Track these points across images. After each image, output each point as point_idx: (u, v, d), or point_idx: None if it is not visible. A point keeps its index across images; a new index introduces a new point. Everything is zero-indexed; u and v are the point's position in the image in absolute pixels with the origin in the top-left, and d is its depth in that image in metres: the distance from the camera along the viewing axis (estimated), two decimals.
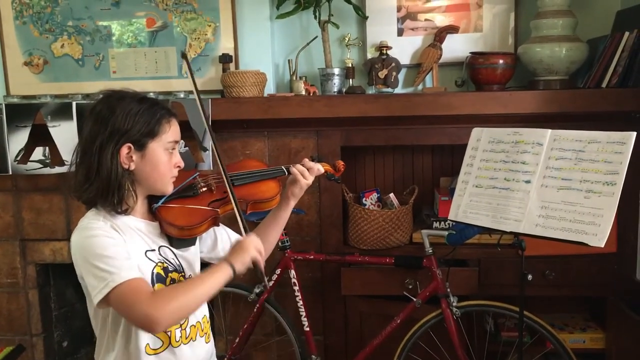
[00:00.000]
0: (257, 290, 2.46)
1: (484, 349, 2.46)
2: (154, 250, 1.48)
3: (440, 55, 2.64)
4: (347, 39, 2.69)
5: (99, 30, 2.74)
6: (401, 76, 2.73)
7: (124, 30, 2.74)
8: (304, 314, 2.42)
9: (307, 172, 1.66)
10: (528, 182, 1.80)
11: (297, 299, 2.42)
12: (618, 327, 2.43)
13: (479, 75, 2.53)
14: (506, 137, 1.93)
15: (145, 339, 1.45)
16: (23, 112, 2.51)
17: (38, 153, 2.55)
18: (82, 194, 1.44)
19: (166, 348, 1.48)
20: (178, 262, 1.53)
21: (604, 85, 2.34)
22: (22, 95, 2.75)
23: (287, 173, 1.69)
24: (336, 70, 2.62)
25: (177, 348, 1.50)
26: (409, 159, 2.88)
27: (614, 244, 2.36)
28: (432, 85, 2.66)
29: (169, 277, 1.49)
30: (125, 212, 1.44)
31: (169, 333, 1.48)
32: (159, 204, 1.51)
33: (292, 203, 1.69)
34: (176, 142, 1.50)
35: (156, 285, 1.45)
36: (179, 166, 1.52)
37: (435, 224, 2.57)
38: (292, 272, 2.41)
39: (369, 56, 2.74)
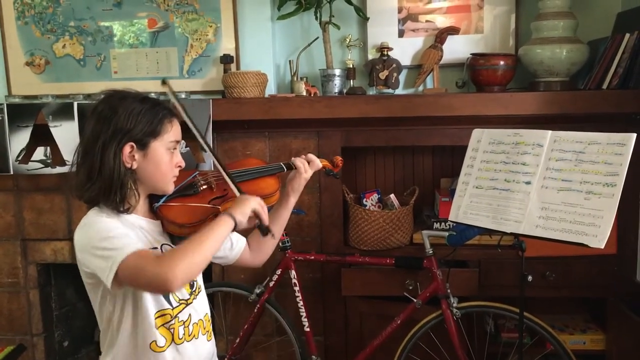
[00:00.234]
0: (257, 290, 2.46)
1: (484, 350, 2.46)
2: (156, 248, 1.49)
3: (441, 56, 2.64)
4: (348, 40, 2.69)
5: (101, 31, 2.75)
6: (402, 77, 2.73)
7: (125, 30, 2.75)
8: (304, 314, 2.42)
9: (307, 164, 1.68)
10: (528, 183, 1.80)
11: (298, 299, 2.42)
12: (618, 329, 2.43)
13: (479, 76, 2.54)
14: (506, 138, 1.93)
15: (151, 335, 1.46)
16: (24, 112, 2.52)
17: (39, 153, 2.55)
18: (84, 193, 1.45)
19: (170, 345, 1.49)
20: None
21: (604, 86, 2.34)
22: (24, 95, 2.76)
23: (285, 169, 1.72)
24: (337, 71, 2.62)
25: (181, 345, 1.51)
26: (410, 159, 2.88)
27: (614, 245, 2.36)
28: (433, 87, 2.67)
29: None
30: (127, 211, 1.46)
31: (172, 330, 1.49)
32: (160, 202, 1.52)
33: (293, 200, 1.71)
34: (177, 141, 1.52)
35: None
36: (180, 166, 1.53)
37: (436, 225, 2.57)
38: (293, 273, 2.41)
39: (370, 57, 2.74)
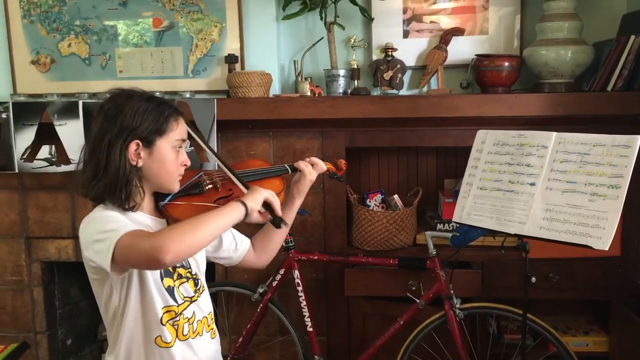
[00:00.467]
0: (260, 290, 2.47)
1: (487, 351, 2.46)
2: None
3: (446, 57, 2.64)
4: (352, 41, 2.69)
5: (106, 30, 2.76)
6: (406, 78, 2.73)
7: (130, 30, 2.75)
8: (307, 314, 2.42)
9: (311, 167, 1.70)
10: (533, 184, 1.80)
11: (301, 299, 2.42)
12: (622, 331, 2.43)
13: (484, 77, 2.53)
14: (511, 139, 1.93)
15: (156, 330, 1.48)
16: (30, 110, 2.52)
17: (44, 151, 2.56)
18: (89, 190, 1.47)
19: (175, 341, 1.50)
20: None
21: (609, 88, 2.34)
22: (29, 93, 2.77)
23: (290, 171, 1.73)
24: (341, 72, 2.62)
25: (185, 342, 1.52)
26: (414, 160, 2.88)
27: (618, 247, 2.36)
28: (437, 87, 2.67)
29: (176, 272, 1.52)
30: (133, 208, 1.47)
31: (176, 327, 1.50)
32: (166, 201, 1.53)
33: (298, 202, 1.72)
34: (183, 140, 1.53)
35: (165, 279, 1.48)
36: (185, 164, 1.55)
37: (439, 226, 2.57)
38: (296, 273, 2.42)
39: (374, 58, 2.75)
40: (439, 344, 2.35)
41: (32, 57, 2.80)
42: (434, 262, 2.29)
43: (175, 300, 1.51)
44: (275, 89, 2.69)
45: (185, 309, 1.53)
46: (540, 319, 2.22)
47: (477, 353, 2.41)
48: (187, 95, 2.58)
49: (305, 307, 2.42)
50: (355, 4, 2.60)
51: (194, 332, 1.55)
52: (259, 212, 1.48)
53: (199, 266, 1.63)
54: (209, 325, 1.61)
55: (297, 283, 2.42)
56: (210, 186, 1.62)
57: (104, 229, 1.36)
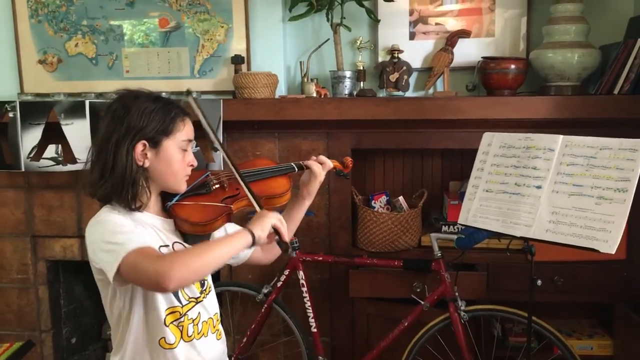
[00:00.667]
0: (265, 290, 2.47)
1: (492, 353, 2.46)
2: (167, 246, 1.50)
3: (452, 59, 2.64)
4: (358, 42, 2.70)
5: (113, 30, 2.76)
6: (412, 80, 2.73)
7: (137, 30, 2.76)
8: (311, 315, 2.43)
9: (321, 166, 1.70)
10: (539, 187, 1.80)
11: (305, 300, 2.42)
12: (626, 334, 2.43)
13: (490, 80, 2.53)
14: (517, 142, 1.93)
15: (160, 332, 1.48)
16: (37, 109, 2.54)
17: (51, 150, 2.57)
18: (96, 190, 1.47)
19: (179, 342, 1.50)
20: None
21: (616, 91, 2.34)
22: (36, 93, 2.78)
23: (297, 169, 1.73)
24: (347, 73, 2.63)
25: (190, 343, 1.52)
26: (419, 162, 2.88)
27: (623, 250, 2.36)
28: (443, 90, 2.67)
29: None
30: (139, 209, 1.48)
31: (181, 328, 1.50)
32: (174, 201, 1.54)
33: (307, 203, 1.74)
34: (190, 140, 1.54)
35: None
36: (192, 165, 1.55)
37: (444, 228, 2.57)
38: (301, 273, 2.42)
39: (380, 59, 2.75)
40: (443, 346, 2.35)
41: (39, 56, 2.81)
42: (439, 264, 2.29)
43: (180, 301, 1.51)
44: (281, 90, 2.70)
45: (190, 309, 1.53)
46: (545, 321, 2.21)
47: (482, 355, 2.41)
48: (193, 96, 2.57)
49: (310, 308, 2.43)
50: (362, 5, 2.60)
51: (198, 333, 1.55)
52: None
53: None
54: (214, 327, 1.60)
55: (302, 284, 2.42)
56: (217, 186, 1.62)
57: (112, 239, 1.36)
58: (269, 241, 1.49)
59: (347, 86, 2.63)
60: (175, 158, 1.49)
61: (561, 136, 1.83)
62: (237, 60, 2.63)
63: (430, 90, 2.73)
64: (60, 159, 2.58)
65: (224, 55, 2.72)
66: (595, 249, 1.61)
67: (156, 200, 1.54)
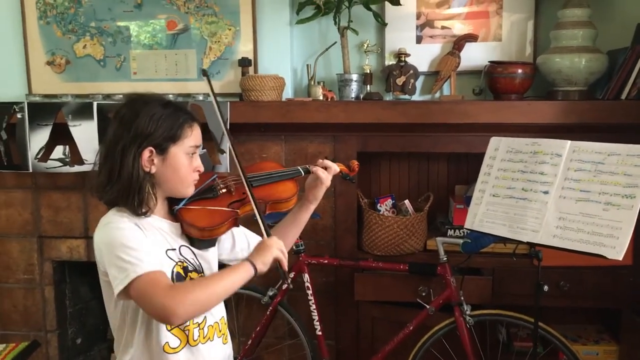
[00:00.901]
0: (270, 293, 2.47)
1: (497, 358, 2.46)
2: (174, 249, 1.50)
3: (459, 63, 2.64)
4: (365, 46, 2.70)
5: (121, 32, 2.78)
6: (419, 83, 2.73)
7: (145, 32, 2.77)
8: (316, 318, 2.43)
9: (327, 173, 1.69)
10: (546, 192, 1.80)
11: (310, 302, 2.43)
12: (632, 340, 2.42)
13: (497, 84, 2.53)
14: (524, 147, 1.93)
15: (164, 337, 1.47)
16: (45, 111, 2.55)
17: (58, 151, 2.58)
18: (103, 194, 1.48)
19: (184, 347, 1.50)
20: (198, 262, 1.56)
21: (623, 97, 2.33)
22: (44, 94, 2.79)
23: (303, 173, 1.73)
24: (354, 76, 2.63)
25: (195, 347, 1.52)
26: (425, 166, 2.88)
27: (630, 256, 2.35)
28: (450, 93, 2.67)
29: (188, 276, 1.51)
30: (146, 214, 1.47)
31: (187, 332, 1.50)
32: (180, 205, 1.54)
33: (312, 207, 1.73)
34: (197, 146, 1.53)
35: (176, 283, 1.47)
36: (199, 170, 1.55)
37: (450, 232, 2.57)
38: (306, 276, 2.42)
39: (387, 63, 2.75)
40: (448, 350, 2.34)
41: (47, 58, 2.83)
42: (445, 268, 2.28)
43: None
44: (288, 93, 2.70)
45: None
46: (550, 327, 2.21)
47: None
48: (200, 98, 2.59)
49: (315, 311, 2.43)
50: (369, 9, 2.60)
51: (204, 338, 1.54)
52: None
53: (212, 269, 1.63)
54: (220, 331, 1.60)
55: (307, 287, 2.42)
56: (224, 190, 1.62)
57: (123, 256, 1.36)
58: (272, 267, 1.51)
59: (353, 89, 2.64)
60: (182, 164, 1.49)
61: (569, 141, 1.83)
62: (244, 62, 2.63)
63: (437, 94, 2.73)
64: (67, 160, 2.59)
65: (231, 57, 2.72)
66: (603, 255, 1.61)
67: (163, 204, 1.54)
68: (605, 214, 1.65)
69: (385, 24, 2.72)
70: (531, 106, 2.37)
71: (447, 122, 2.40)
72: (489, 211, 1.93)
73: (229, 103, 2.46)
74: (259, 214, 1.55)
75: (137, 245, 1.38)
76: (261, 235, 1.56)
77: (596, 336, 2.64)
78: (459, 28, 2.71)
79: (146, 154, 1.44)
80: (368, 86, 2.67)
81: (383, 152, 2.69)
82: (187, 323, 1.50)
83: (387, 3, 2.60)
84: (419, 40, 2.74)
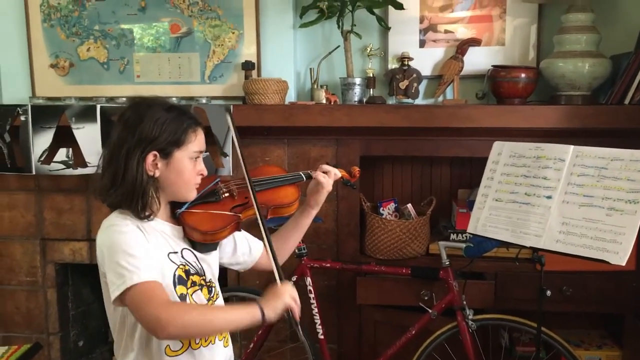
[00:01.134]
0: None
1: None
2: (176, 252, 1.51)
3: (462, 67, 2.64)
4: (368, 49, 2.70)
5: (125, 35, 2.78)
6: (422, 87, 2.73)
7: (148, 35, 2.78)
8: (318, 321, 2.43)
9: (329, 178, 1.70)
10: (549, 197, 1.79)
11: (313, 306, 2.42)
12: (635, 345, 2.41)
13: (500, 88, 2.53)
14: (528, 151, 1.93)
15: (164, 340, 1.47)
16: (48, 113, 2.55)
17: (61, 154, 2.58)
18: (107, 197, 1.48)
19: (186, 350, 1.50)
20: (200, 266, 1.56)
21: (626, 101, 2.33)
22: (48, 96, 2.79)
23: (305, 179, 1.74)
24: (357, 80, 2.63)
25: (197, 350, 1.52)
26: (428, 170, 2.88)
27: (633, 261, 2.34)
28: (453, 97, 2.67)
29: (190, 279, 1.51)
30: (149, 217, 1.47)
31: None
32: (183, 209, 1.54)
33: (314, 212, 1.73)
34: (201, 151, 1.54)
35: (178, 287, 1.48)
36: (202, 174, 1.55)
37: (453, 236, 2.56)
38: (308, 280, 2.42)
39: (390, 67, 2.75)
40: (450, 355, 2.34)
41: (51, 60, 2.83)
42: (447, 272, 2.28)
43: None
44: (291, 96, 2.70)
45: None
46: (553, 331, 2.20)
47: None
48: (204, 101, 2.60)
49: (317, 315, 2.42)
50: (373, 13, 2.61)
51: (206, 341, 1.54)
52: None
53: (213, 273, 1.63)
54: (222, 334, 1.60)
55: (309, 290, 2.42)
56: (226, 194, 1.63)
57: (123, 262, 1.36)
58: (283, 315, 1.46)
59: (356, 93, 2.64)
60: (186, 168, 1.50)
61: (572, 146, 1.83)
62: (247, 66, 2.64)
63: (440, 98, 2.73)
64: (70, 162, 2.59)
65: (234, 61, 2.73)
66: (606, 260, 1.61)
67: (166, 208, 1.55)
68: (608, 219, 1.64)
69: (389, 28, 2.72)
70: (534, 111, 2.36)
71: (450, 126, 2.40)
72: (492, 215, 1.93)
73: (232, 106, 2.46)
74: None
75: (137, 252, 1.38)
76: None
77: (599, 341, 2.64)
78: (462, 32, 2.71)
79: (150, 158, 1.45)
80: (371, 90, 2.67)
81: (386, 155, 2.69)
82: None
83: (390, 7, 2.60)
84: (422, 44, 2.75)
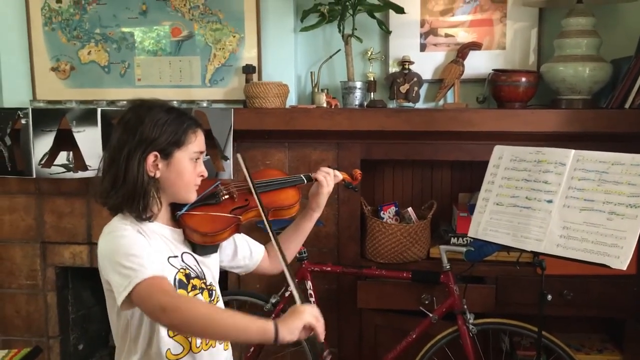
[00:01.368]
0: (273, 300, 2.47)
1: None
2: (176, 256, 1.51)
3: (462, 71, 2.64)
4: (369, 53, 2.70)
5: (126, 39, 2.79)
6: (423, 91, 2.73)
7: (149, 38, 2.78)
8: None
9: (329, 178, 1.70)
10: (550, 201, 1.79)
11: None
12: (636, 350, 2.41)
13: (501, 92, 2.53)
14: (529, 156, 1.93)
15: (166, 344, 1.47)
16: (49, 116, 2.55)
17: (62, 157, 2.59)
18: (107, 200, 1.48)
19: (187, 354, 1.50)
20: (200, 269, 1.56)
21: (627, 105, 2.33)
22: (48, 100, 2.80)
23: (306, 181, 1.74)
24: (358, 84, 2.63)
25: (198, 354, 1.52)
26: (428, 173, 2.88)
27: (634, 265, 2.33)
28: (454, 101, 2.67)
29: (190, 283, 1.51)
30: (150, 219, 1.48)
31: (189, 339, 1.50)
32: (183, 211, 1.54)
33: (316, 215, 1.73)
34: (201, 152, 1.54)
35: (178, 290, 1.47)
36: (202, 175, 1.56)
37: (453, 240, 2.56)
38: (309, 284, 2.42)
39: (391, 70, 2.75)
40: (451, 359, 2.33)
41: (52, 64, 2.84)
42: (448, 276, 2.28)
43: None
44: (291, 100, 2.71)
45: None
46: (553, 336, 2.20)
47: None
48: (204, 105, 2.60)
49: None
50: (373, 17, 2.61)
51: (206, 344, 1.54)
52: None
53: (213, 276, 1.63)
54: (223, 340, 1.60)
55: (310, 294, 2.42)
56: (226, 196, 1.63)
57: (126, 263, 1.36)
58: (302, 337, 1.32)
59: (357, 97, 2.64)
60: (186, 169, 1.50)
61: (573, 150, 1.83)
62: (248, 69, 2.64)
63: (441, 102, 2.74)
64: (71, 166, 2.59)
65: (235, 64, 2.73)
66: (607, 264, 1.61)
67: (166, 210, 1.55)
68: (609, 223, 1.64)
69: (390, 32, 2.72)
70: (535, 115, 2.36)
71: (451, 130, 2.40)
72: (493, 220, 1.92)
73: (232, 110, 2.47)
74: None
75: (139, 252, 1.38)
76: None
77: (600, 345, 2.63)
78: (463, 36, 2.72)
79: (151, 158, 1.45)
80: (372, 94, 2.67)
81: (387, 159, 2.69)
82: None
83: (391, 11, 2.61)
84: (422, 48, 2.75)
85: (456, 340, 2.26)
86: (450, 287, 2.27)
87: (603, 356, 2.54)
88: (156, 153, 1.45)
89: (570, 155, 1.82)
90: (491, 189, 1.98)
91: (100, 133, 2.51)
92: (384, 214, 2.67)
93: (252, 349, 2.51)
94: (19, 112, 2.56)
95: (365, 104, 2.66)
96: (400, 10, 2.56)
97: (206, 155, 2.40)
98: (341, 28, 2.61)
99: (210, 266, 1.61)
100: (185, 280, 1.50)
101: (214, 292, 1.61)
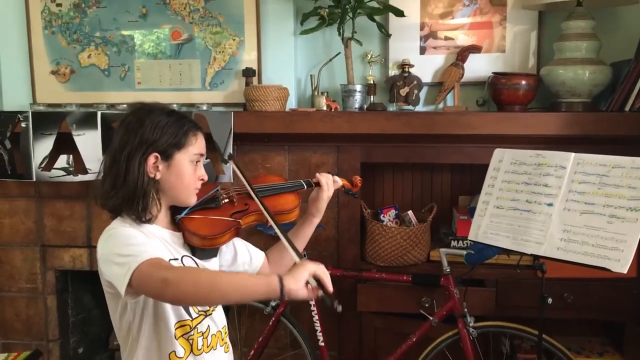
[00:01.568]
0: (273, 303, 2.47)
1: None
2: (176, 259, 1.51)
3: (462, 74, 2.64)
4: (369, 56, 2.70)
5: (126, 42, 2.79)
6: (422, 94, 2.73)
7: (149, 42, 2.78)
8: (319, 328, 2.42)
9: (330, 181, 1.71)
10: (550, 205, 1.79)
11: (313, 313, 2.42)
12: (636, 353, 2.41)
13: (500, 95, 2.53)
14: (529, 159, 1.93)
15: (170, 346, 1.48)
16: (49, 120, 2.55)
17: (62, 161, 2.58)
18: (107, 201, 1.49)
19: (188, 355, 1.50)
20: None
21: (627, 108, 2.33)
22: (48, 103, 2.80)
23: (305, 187, 1.75)
24: (358, 87, 2.63)
25: (199, 356, 1.53)
26: (428, 176, 2.88)
27: (634, 269, 2.32)
28: (454, 104, 2.67)
29: None
30: (149, 221, 1.49)
31: (191, 341, 1.51)
32: (183, 214, 1.55)
33: (316, 220, 1.74)
34: (201, 155, 1.55)
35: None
36: (202, 179, 1.56)
37: (453, 243, 2.56)
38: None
39: (391, 73, 2.75)
40: None
41: (52, 67, 2.84)
42: (448, 279, 2.28)
43: (190, 315, 1.52)
44: (291, 103, 2.71)
45: (200, 323, 1.54)
46: (554, 339, 2.20)
47: None
48: (204, 108, 2.60)
49: (317, 322, 2.42)
50: (373, 20, 2.61)
51: (208, 347, 1.55)
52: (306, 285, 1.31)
53: None
54: (223, 339, 1.61)
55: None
56: (226, 200, 1.64)
57: (124, 252, 1.36)
58: (311, 296, 1.33)
59: (357, 100, 2.64)
60: (186, 171, 1.51)
61: (573, 154, 1.83)
62: (248, 73, 2.64)
63: (441, 105, 2.74)
64: (71, 169, 2.59)
65: (235, 67, 2.73)
66: (607, 268, 1.60)
67: (166, 213, 1.55)
68: (609, 226, 1.64)
69: (389, 35, 2.72)
70: (535, 118, 2.37)
71: (451, 133, 2.40)
72: (493, 223, 1.92)
73: (232, 113, 2.47)
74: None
75: (136, 240, 1.40)
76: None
77: (600, 348, 2.63)
78: (463, 39, 2.72)
79: (151, 159, 1.46)
80: (372, 97, 2.67)
81: (387, 162, 2.68)
82: (192, 332, 1.51)
83: (391, 14, 2.61)
84: (422, 51, 2.75)
85: (456, 344, 2.25)
86: (450, 290, 2.27)
87: (603, 359, 2.54)
88: (157, 154, 1.46)
89: (571, 158, 1.82)
90: (491, 192, 1.98)
91: (100, 136, 2.51)
92: (384, 217, 2.66)
93: (252, 352, 2.51)
94: (19, 115, 2.56)
95: (365, 107, 2.66)
96: (400, 13, 2.57)
97: (206, 158, 2.42)
98: (341, 31, 2.61)
99: (211, 269, 1.61)
100: None
101: None
